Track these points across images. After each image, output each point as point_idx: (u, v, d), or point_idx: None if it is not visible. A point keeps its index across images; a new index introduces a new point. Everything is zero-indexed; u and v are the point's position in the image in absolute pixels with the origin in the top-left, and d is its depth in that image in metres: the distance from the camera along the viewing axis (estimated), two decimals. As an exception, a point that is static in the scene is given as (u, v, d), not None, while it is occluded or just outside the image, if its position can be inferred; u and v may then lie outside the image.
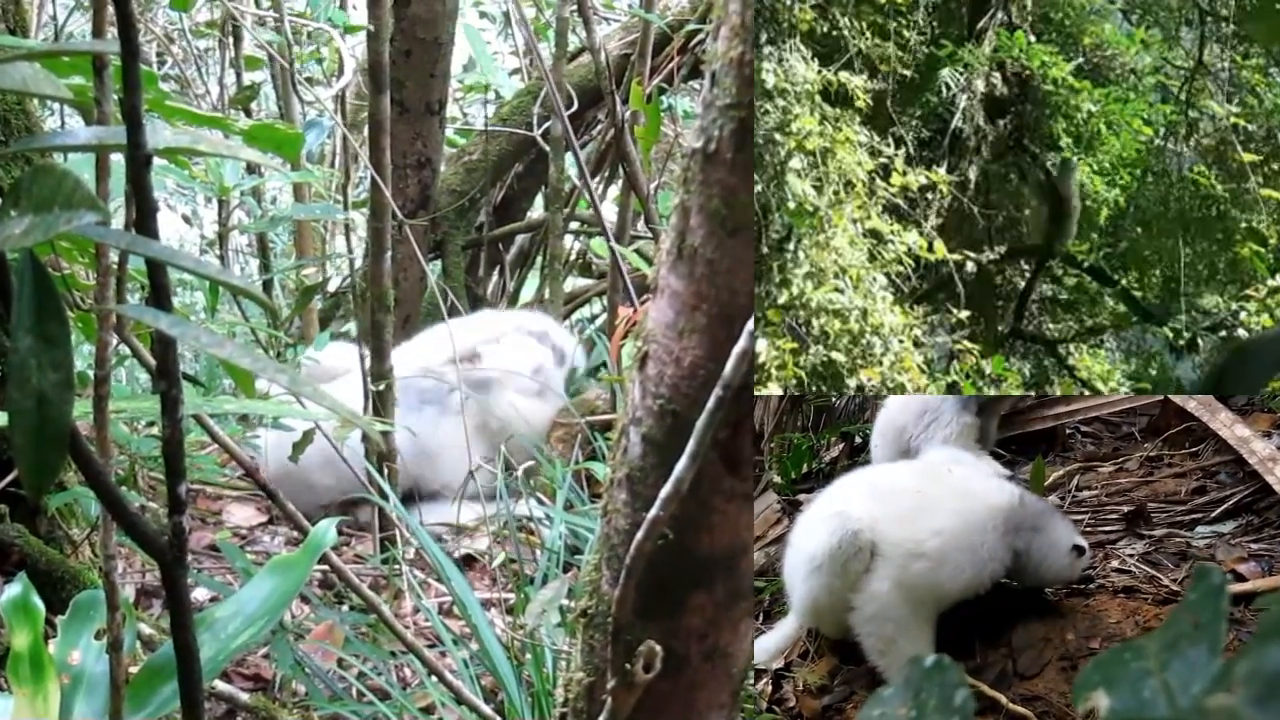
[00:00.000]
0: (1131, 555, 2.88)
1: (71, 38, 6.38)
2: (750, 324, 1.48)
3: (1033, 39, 3.81)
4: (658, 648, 1.67)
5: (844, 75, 3.44)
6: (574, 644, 1.90)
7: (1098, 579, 2.80)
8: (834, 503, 2.76)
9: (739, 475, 1.65)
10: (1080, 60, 3.84)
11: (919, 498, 2.74)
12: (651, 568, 1.64)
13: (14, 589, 2.30)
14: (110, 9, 1.77)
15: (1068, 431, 3.58)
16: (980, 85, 3.72)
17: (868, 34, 3.59)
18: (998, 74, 3.76)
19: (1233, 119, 3.70)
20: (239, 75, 6.38)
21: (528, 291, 6.64)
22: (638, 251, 4.81)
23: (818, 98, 3.31)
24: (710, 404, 1.51)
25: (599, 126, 6.03)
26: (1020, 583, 2.72)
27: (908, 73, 3.64)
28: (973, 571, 2.61)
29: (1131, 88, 3.84)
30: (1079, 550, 2.65)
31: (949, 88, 3.71)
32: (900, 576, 2.58)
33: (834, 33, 3.46)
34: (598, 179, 5.94)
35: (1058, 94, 3.70)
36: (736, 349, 1.48)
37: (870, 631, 2.60)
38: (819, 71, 3.35)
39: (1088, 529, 2.99)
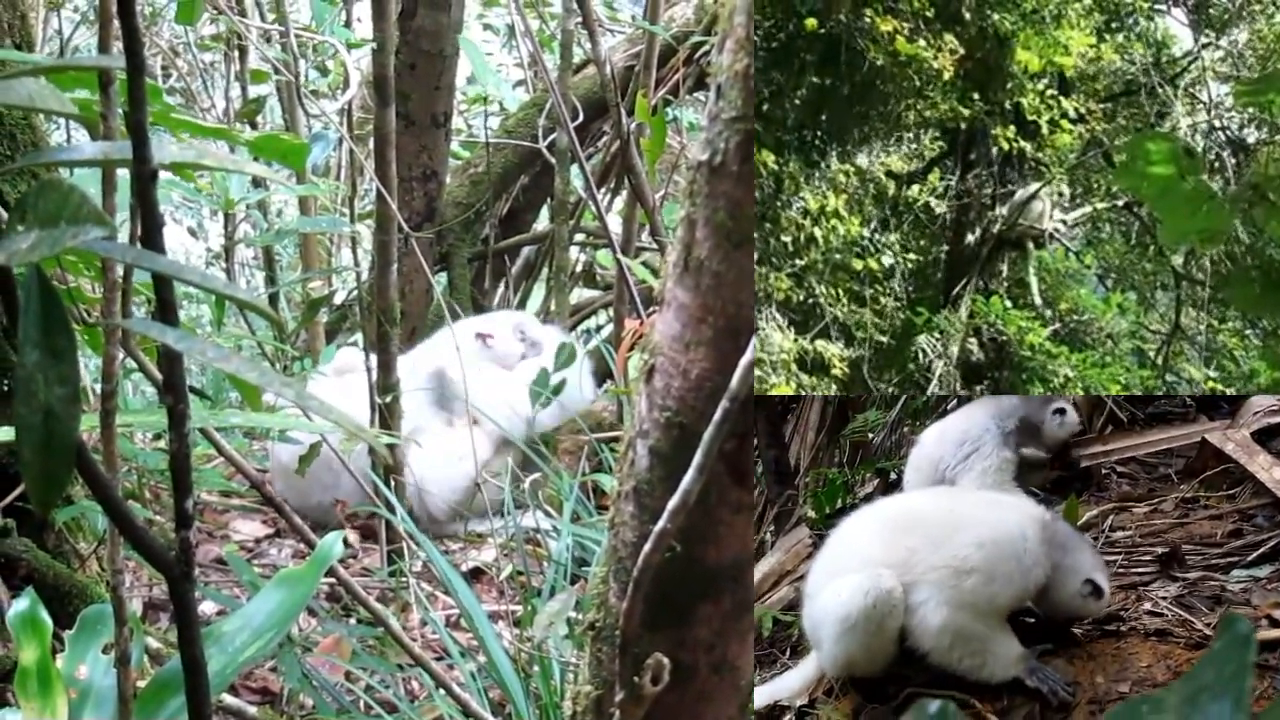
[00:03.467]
0: (1164, 598, 2.80)
1: (77, 51, 6.40)
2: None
3: (1009, 304, 3.84)
4: (665, 660, 1.67)
5: (820, 344, 3.49)
6: (582, 656, 1.90)
7: (1129, 621, 2.72)
8: (853, 550, 2.72)
9: (745, 487, 1.65)
10: (1057, 325, 3.88)
11: (951, 515, 2.70)
12: (659, 580, 1.64)
13: (21, 603, 2.30)
14: (116, 24, 1.77)
15: (1104, 471, 3.51)
16: (956, 351, 3.74)
17: (844, 301, 3.64)
18: (974, 340, 3.79)
19: (1210, 383, 3.72)
20: (244, 89, 6.39)
21: (533, 303, 6.64)
22: (644, 263, 4.80)
23: (794, 366, 3.35)
24: (717, 416, 1.50)
25: (604, 138, 6.03)
26: (1038, 605, 2.69)
27: (884, 339, 3.68)
28: (1021, 578, 2.57)
29: (1109, 352, 3.87)
30: (1092, 587, 2.60)
31: (925, 354, 3.73)
32: (955, 598, 2.55)
33: (810, 300, 3.52)
34: (603, 191, 5.93)
35: (1034, 359, 3.74)
36: (743, 361, 1.48)
37: (959, 658, 2.56)
38: (795, 339, 3.38)
39: (1120, 570, 2.93)
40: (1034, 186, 4.03)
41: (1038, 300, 3.93)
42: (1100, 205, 4.18)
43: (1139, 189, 2.24)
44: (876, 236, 3.80)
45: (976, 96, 3.88)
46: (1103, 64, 4.07)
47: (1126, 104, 4.14)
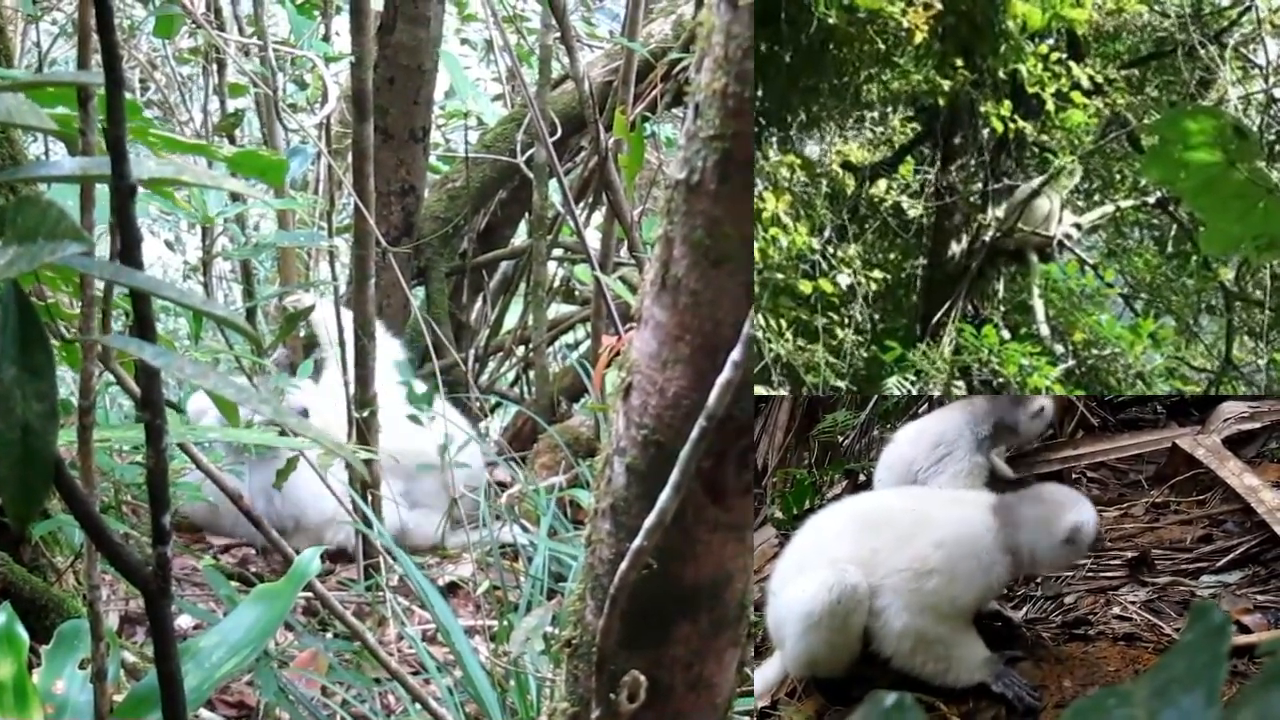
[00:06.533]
0: (1134, 602, 2.80)
1: (55, 64, 6.38)
2: (735, 354, 1.48)
3: (1006, 335, 3.17)
4: (642, 678, 1.67)
5: (760, 391, 2.95)
6: (558, 673, 1.90)
7: (1097, 625, 2.73)
8: (819, 547, 2.71)
9: (723, 505, 1.65)
10: (1070, 362, 3.23)
11: (913, 515, 2.68)
12: (636, 598, 1.64)
13: (-3, 618, 2.30)
14: (95, 39, 1.77)
15: (1074, 476, 3.47)
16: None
17: (788, 335, 3.07)
18: (961, 382, 3.16)
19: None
20: (223, 102, 6.38)
21: (511, 318, 6.64)
22: (621, 279, 4.81)
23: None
24: (694, 435, 1.51)
25: (582, 154, 6.04)
26: (1023, 574, 2.68)
27: (842, 384, 3.09)
28: (983, 576, 2.55)
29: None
30: (1069, 532, 2.53)
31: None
32: (916, 601, 2.53)
33: (746, 335, 3.04)
34: (581, 206, 5.94)
35: (1041, 408, 3.01)
36: (720, 380, 1.48)
37: (923, 662, 2.55)
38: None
39: (1089, 574, 2.93)
40: (1037, 180, 3.35)
41: (1044, 330, 3.29)
42: (1125, 204, 3.49)
43: (1175, 181, 1.73)
44: (831, 249, 3.20)
45: (960, 63, 3.20)
46: (1125, 17, 3.37)
47: (1157, 70, 3.44)
